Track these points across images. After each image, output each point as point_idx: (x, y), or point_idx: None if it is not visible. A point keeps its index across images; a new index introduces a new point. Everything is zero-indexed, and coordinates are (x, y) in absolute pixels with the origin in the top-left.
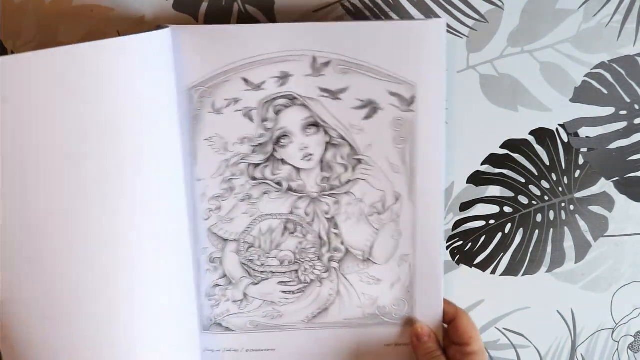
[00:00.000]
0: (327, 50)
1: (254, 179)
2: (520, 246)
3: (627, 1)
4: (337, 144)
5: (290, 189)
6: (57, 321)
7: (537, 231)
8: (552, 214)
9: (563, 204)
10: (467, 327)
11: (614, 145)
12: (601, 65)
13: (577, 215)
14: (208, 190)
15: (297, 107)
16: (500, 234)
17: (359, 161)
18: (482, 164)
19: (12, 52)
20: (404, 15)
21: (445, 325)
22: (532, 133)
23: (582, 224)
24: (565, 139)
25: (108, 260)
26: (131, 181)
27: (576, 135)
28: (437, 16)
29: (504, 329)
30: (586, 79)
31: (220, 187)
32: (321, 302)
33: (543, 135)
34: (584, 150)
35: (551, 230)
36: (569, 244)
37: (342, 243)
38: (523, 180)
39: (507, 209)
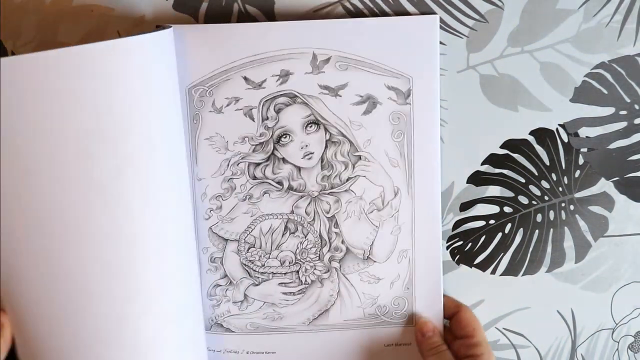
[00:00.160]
0: (327, 47)
1: (255, 178)
2: (520, 246)
3: (627, 1)
4: (337, 142)
5: (290, 188)
6: (69, 319)
7: (537, 231)
8: (552, 214)
9: (563, 204)
10: (470, 319)
11: (614, 145)
12: (601, 65)
13: (577, 215)
14: (208, 190)
15: (298, 105)
16: (500, 234)
17: (359, 158)
18: (482, 164)
19: (12, 52)
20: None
21: (447, 321)
22: (532, 133)
23: (582, 224)
24: (565, 139)
25: (119, 260)
26: (141, 181)
27: (576, 135)
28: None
29: (504, 329)
30: (586, 79)
31: (220, 187)
32: (322, 303)
33: (543, 135)
34: (584, 150)
35: (551, 230)
36: (569, 244)
37: (343, 242)
38: (523, 180)
39: (507, 209)
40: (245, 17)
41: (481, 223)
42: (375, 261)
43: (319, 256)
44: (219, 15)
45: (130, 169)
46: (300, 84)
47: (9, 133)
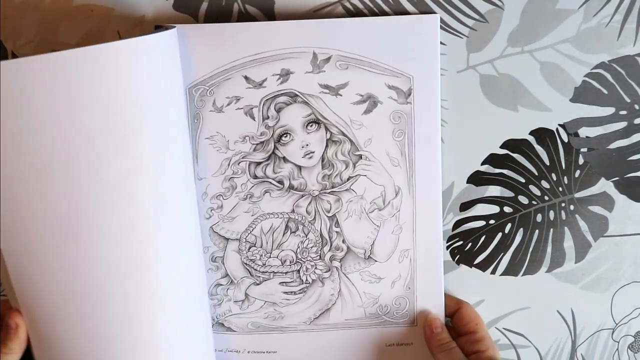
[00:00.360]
0: (327, 47)
1: (255, 177)
2: (520, 246)
3: (627, 1)
4: (337, 141)
5: (291, 187)
6: (83, 319)
7: (537, 231)
8: (552, 214)
9: (563, 204)
10: (472, 315)
11: (614, 145)
12: (601, 65)
13: (577, 215)
14: (209, 189)
15: (298, 104)
16: (500, 234)
17: (360, 157)
18: (482, 164)
19: (12, 52)
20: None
21: (448, 320)
22: (532, 133)
23: (582, 224)
24: (565, 139)
25: (132, 259)
26: (151, 180)
27: (576, 135)
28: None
29: (504, 329)
30: (586, 79)
31: (221, 186)
32: (323, 302)
33: (543, 135)
34: (584, 150)
35: (551, 230)
36: (569, 244)
37: (344, 241)
38: (523, 180)
39: (507, 209)
40: (245, 17)
41: (481, 223)
42: (376, 260)
43: (320, 255)
44: (219, 15)
45: (140, 169)
46: (301, 83)
47: (19, 134)
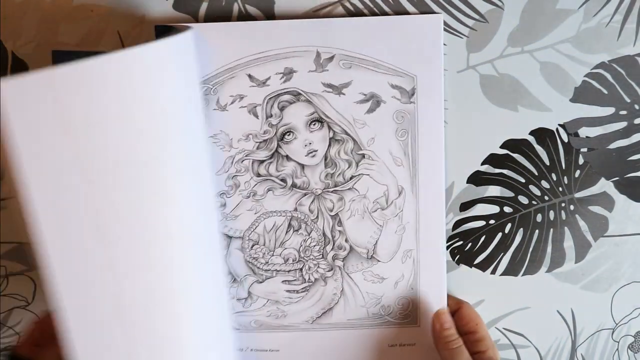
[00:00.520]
0: (330, 46)
1: (259, 175)
2: (520, 246)
3: (627, 1)
4: (340, 140)
5: (294, 186)
6: (123, 321)
7: (537, 231)
8: (552, 214)
9: (563, 204)
10: (472, 315)
11: (614, 145)
12: (601, 65)
13: (577, 215)
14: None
15: (301, 103)
16: (500, 234)
17: (363, 156)
18: (482, 164)
19: (12, 52)
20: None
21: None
22: (532, 133)
23: (582, 224)
24: (565, 139)
25: (169, 260)
26: (188, 181)
27: (576, 135)
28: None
29: (504, 329)
30: (586, 79)
31: (225, 184)
32: (325, 301)
33: (543, 135)
34: (584, 150)
35: (551, 230)
36: (569, 244)
37: (347, 240)
38: (523, 180)
39: (507, 209)
40: (245, 17)
41: (481, 223)
42: (379, 260)
43: (323, 254)
44: (219, 15)
45: (171, 171)
46: (304, 81)
47: (70, 141)
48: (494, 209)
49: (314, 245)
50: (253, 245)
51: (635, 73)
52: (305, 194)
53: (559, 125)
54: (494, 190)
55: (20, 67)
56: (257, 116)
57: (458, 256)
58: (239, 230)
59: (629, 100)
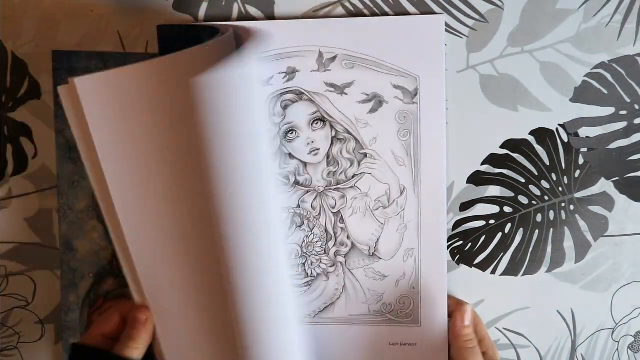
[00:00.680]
0: (333, 45)
1: None
2: (520, 246)
3: (627, 1)
4: (343, 139)
5: (297, 183)
6: (205, 311)
7: (537, 231)
8: (552, 214)
9: (563, 204)
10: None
11: (614, 145)
12: (601, 65)
13: (577, 215)
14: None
15: (304, 102)
16: (500, 234)
17: (365, 155)
18: (482, 164)
19: (12, 52)
20: (403, 15)
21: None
22: (532, 133)
23: (582, 224)
24: (565, 139)
25: (245, 255)
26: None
27: (576, 135)
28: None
29: (504, 329)
30: (586, 79)
31: None
32: (327, 296)
33: (543, 135)
34: (584, 150)
35: (551, 230)
36: (569, 244)
37: (348, 237)
38: (523, 180)
39: (507, 209)
40: (245, 17)
41: (481, 223)
42: (380, 258)
43: (325, 250)
44: (219, 15)
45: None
46: (307, 81)
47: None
48: (494, 209)
49: (317, 242)
50: None
51: (635, 73)
52: (307, 191)
53: (559, 125)
54: (494, 190)
55: (20, 67)
56: None
57: (458, 256)
58: None
59: (629, 100)
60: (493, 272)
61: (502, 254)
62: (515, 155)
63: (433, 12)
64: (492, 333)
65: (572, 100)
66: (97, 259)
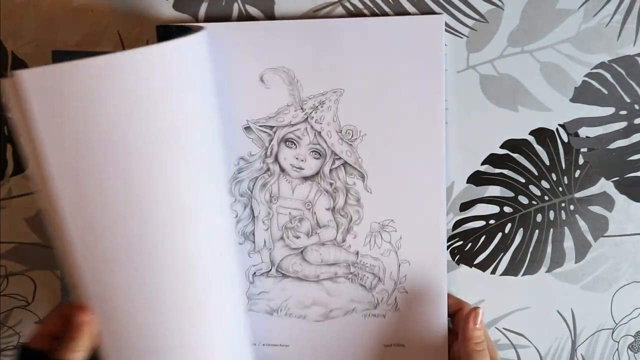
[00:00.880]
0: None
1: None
2: (520, 246)
3: (627, 1)
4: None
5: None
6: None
7: (537, 231)
8: (552, 214)
9: (563, 204)
10: None
11: (614, 145)
12: (601, 65)
13: (577, 215)
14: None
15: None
16: (500, 234)
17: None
18: (482, 164)
19: (12, 52)
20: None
21: (449, 319)
22: (532, 133)
23: (582, 224)
24: (565, 139)
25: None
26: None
27: (576, 135)
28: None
29: (504, 329)
30: (586, 79)
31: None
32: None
33: (543, 135)
34: (584, 150)
35: (551, 230)
36: (569, 244)
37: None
38: (523, 180)
39: (507, 209)
40: (245, 17)
41: (481, 223)
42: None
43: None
44: (219, 16)
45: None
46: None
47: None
48: (494, 209)
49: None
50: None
51: (635, 73)
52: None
53: (559, 125)
54: (494, 190)
55: (20, 67)
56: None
57: (458, 256)
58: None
59: (629, 100)
60: (493, 272)
61: (502, 254)
62: (515, 155)
63: (433, 12)
64: (492, 333)
65: (572, 100)
66: None
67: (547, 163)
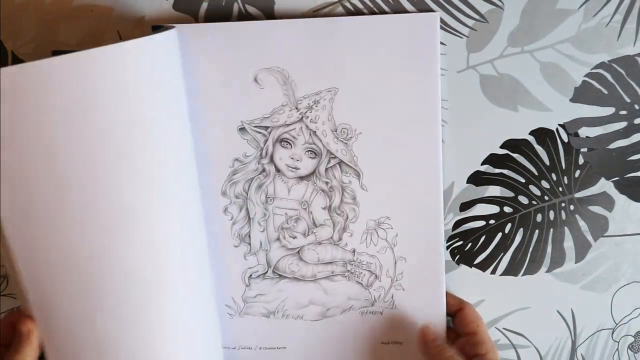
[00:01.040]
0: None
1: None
2: (520, 246)
3: (627, 1)
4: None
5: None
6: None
7: (537, 231)
8: (552, 214)
9: (563, 204)
10: (473, 316)
11: (614, 145)
12: (601, 65)
13: (577, 215)
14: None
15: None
16: (500, 234)
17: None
18: (482, 164)
19: (12, 52)
20: None
21: (449, 318)
22: (532, 133)
23: (582, 224)
24: (565, 139)
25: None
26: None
27: (576, 135)
28: None
29: (504, 329)
30: (586, 79)
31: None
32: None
33: (543, 135)
34: (584, 150)
35: (551, 230)
36: (569, 244)
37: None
38: (523, 180)
39: (507, 209)
40: (245, 17)
41: (481, 223)
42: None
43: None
44: (219, 15)
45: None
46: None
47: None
48: (494, 209)
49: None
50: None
51: (635, 73)
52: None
53: (559, 125)
54: (494, 190)
55: None
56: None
57: (458, 256)
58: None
59: (629, 100)
60: (493, 272)
61: (502, 254)
62: (515, 155)
63: (432, 12)
64: (492, 333)
65: (572, 100)
66: None
67: (547, 163)
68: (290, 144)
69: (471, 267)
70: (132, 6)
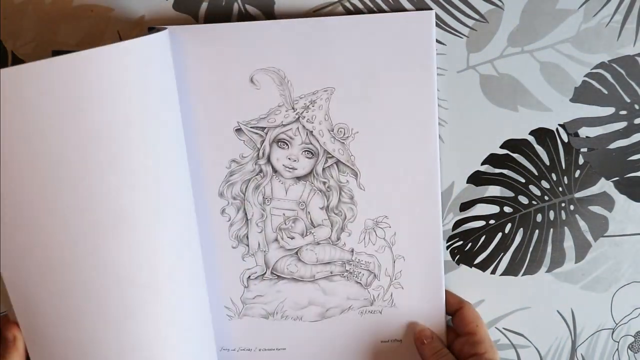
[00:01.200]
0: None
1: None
2: (520, 246)
3: (627, 1)
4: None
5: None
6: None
7: (537, 231)
8: (552, 214)
9: (563, 204)
10: (473, 316)
11: (614, 145)
12: (601, 65)
13: (577, 215)
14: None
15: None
16: (500, 234)
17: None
18: (482, 164)
19: (12, 52)
20: None
21: (449, 318)
22: (532, 133)
23: (582, 224)
24: (565, 139)
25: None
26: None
27: (576, 135)
28: None
29: (504, 329)
30: (586, 79)
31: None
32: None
33: (543, 135)
34: (584, 150)
35: (551, 230)
36: (569, 244)
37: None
38: (523, 180)
39: (507, 209)
40: (245, 17)
41: (481, 223)
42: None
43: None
44: (219, 15)
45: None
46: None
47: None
48: (494, 209)
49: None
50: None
51: (635, 73)
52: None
53: (559, 125)
54: (494, 190)
55: None
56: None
57: (458, 256)
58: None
59: (629, 100)
60: (493, 272)
61: (502, 254)
62: (515, 155)
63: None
64: (492, 333)
65: (572, 100)
66: None
67: (547, 163)
68: (287, 144)
69: (471, 267)
70: (131, 6)
